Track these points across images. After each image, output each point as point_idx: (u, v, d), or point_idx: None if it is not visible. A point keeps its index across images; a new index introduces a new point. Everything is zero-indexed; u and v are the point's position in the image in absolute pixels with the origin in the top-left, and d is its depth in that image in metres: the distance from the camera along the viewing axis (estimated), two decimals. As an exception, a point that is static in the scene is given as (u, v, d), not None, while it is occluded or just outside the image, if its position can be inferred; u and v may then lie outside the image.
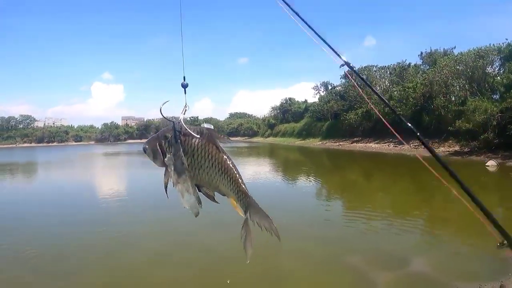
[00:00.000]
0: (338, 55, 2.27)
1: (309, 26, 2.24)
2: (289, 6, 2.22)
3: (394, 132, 2.34)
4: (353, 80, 2.73)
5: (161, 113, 1.49)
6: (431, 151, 1.94)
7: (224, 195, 1.41)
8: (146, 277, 6.80)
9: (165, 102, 1.49)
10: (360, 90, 2.76)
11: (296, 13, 2.24)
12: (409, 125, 2.09)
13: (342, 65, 2.30)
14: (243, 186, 1.35)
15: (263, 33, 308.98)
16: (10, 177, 27.17)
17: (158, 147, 1.40)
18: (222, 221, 10.83)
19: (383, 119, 2.43)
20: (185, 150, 1.35)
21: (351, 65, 2.33)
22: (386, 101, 2.38)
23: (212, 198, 1.44)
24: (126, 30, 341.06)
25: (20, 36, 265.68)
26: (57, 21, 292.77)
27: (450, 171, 1.83)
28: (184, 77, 1.51)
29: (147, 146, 1.44)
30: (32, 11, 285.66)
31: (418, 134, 2.06)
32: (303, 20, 2.24)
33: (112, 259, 7.81)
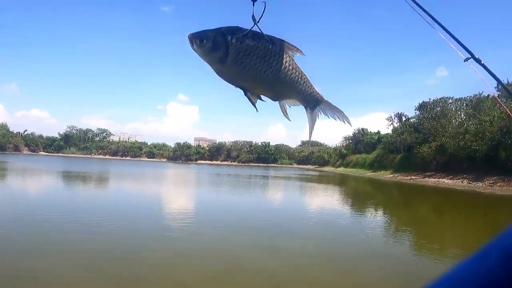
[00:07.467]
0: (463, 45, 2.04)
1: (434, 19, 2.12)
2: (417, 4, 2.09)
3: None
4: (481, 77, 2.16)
5: (253, 19, 1.27)
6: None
7: (276, 100, 1.39)
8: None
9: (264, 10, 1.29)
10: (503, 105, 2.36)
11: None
12: None
13: (467, 59, 2.09)
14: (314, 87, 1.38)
15: (335, 59, 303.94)
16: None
17: (219, 40, 1.26)
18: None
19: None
20: (259, 50, 1.27)
21: (478, 58, 2.05)
22: None
23: (254, 104, 1.38)
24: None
25: (106, 58, 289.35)
26: (137, 41, 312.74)
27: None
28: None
29: (208, 33, 1.26)
30: (115, 32, 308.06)
31: None
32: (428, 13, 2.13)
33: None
